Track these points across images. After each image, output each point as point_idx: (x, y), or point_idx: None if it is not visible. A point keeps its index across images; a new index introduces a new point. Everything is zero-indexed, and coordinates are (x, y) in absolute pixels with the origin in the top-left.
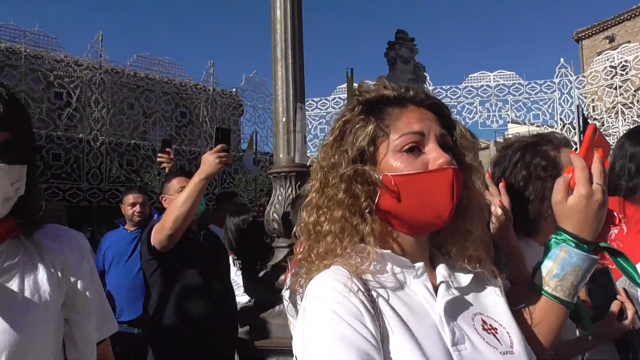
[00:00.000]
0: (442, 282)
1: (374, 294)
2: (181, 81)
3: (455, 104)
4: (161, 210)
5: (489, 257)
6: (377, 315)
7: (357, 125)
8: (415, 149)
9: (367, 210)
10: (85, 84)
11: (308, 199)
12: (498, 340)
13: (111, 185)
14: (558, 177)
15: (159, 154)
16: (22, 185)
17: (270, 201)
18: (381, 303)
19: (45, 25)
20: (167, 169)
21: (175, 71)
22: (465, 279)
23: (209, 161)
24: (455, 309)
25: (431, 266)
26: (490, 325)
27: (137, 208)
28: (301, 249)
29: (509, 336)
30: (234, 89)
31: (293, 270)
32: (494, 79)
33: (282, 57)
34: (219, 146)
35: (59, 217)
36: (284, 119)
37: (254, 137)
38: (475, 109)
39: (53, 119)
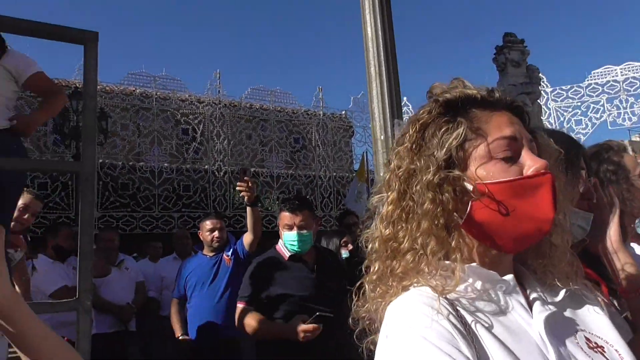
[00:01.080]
0: (535, 297)
1: (465, 314)
2: (293, 109)
3: (579, 104)
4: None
5: (577, 272)
6: (471, 339)
7: (444, 128)
8: (508, 154)
9: (455, 223)
10: (207, 119)
11: (383, 211)
12: (607, 359)
13: (235, 211)
14: (628, 179)
15: (238, 183)
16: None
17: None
18: (474, 324)
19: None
20: (246, 198)
21: (287, 100)
22: (558, 294)
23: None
24: (555, 326)
25: (518, 282)
26: (596, 343)
27: (216, 234)
28: (375, 269)
29: (619, 355)
30: (342, 112)
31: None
32: (621, 72)
33: (376, 75)
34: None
35: (185, 244)
36: (382, 137)
37: (365, 156)
38: (602, 108)
39: (181, 153)
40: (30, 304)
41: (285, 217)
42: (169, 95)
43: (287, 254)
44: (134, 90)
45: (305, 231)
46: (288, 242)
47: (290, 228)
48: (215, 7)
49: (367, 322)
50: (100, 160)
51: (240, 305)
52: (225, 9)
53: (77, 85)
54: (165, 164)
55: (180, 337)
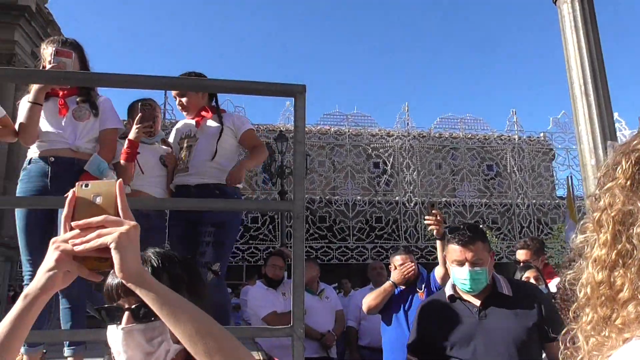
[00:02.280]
0: None
1: None
2: (485, 135)
3: None
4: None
5: None
6: None
7: None
8: None
9: None
10: (397, 152)
11: (594, 254)
12: None
13: (427, 243)
14: None
15: (426, 217)
16: (166, 339)
17: None
18: None
19: (362, 106)
20: (435, 231)
21: (478, 126)
22: None
23: None
24: None
25: None
26: None
27: None
28: (588, 318)
29: None
30: (541, 134)
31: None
32: None
33: (582, 95)
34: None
35: (381, 275)
36: (592, 161)
37: (569, 181)
38: None
39: (373, 186)
40: (251, 328)
41: (455, 251)
42: (361, 131)
43: (447, 293)
44: (328, 129)
45: (479, 268)
46: (459, 281)
47: (461, 264)
48: (400, 42)
49: None
50: None
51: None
52: (410, 42)
53: (282, 128)
54: (359, 197)
55: None
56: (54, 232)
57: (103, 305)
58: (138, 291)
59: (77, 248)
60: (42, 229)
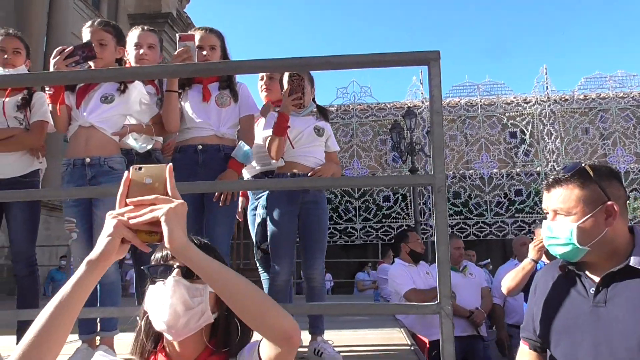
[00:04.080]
0: None
1: None
2: None
3: None
4: None
5: None
6: None
7: None
8: None
9: None
10: (536, 119)
11: None
12: None
13: None
14: None
15: None
16: (205, 301)
17: None
18: None
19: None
20: None
21: (631, 82)
22: None
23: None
24: None
25: None
26: None
27: None
28: None
29: None
30: None
31: None
32: None
33: None
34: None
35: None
36: None
37: None
38: None
39: (510, 157)
40: (397, 305)
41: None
42: (494, 100)
43: (560, 262)
44: (459, 101)
45: (563, 220)
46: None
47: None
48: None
49: None
50: None
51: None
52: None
53: (409, 105)
54: (495, 170)
55: None
56: (201, 220)
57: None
58: (184, 260)
59: (132, 221)
60: (193, 217)
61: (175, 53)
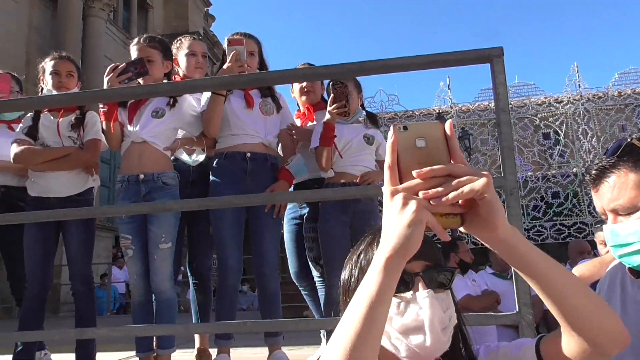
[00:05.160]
0: None
1: None
2: None
3: None
4: None
5: None
6: None
7: None
8: None
9: None
10: (570, 118)
11: None
12: None
13: None
14: None
15: None
16: (453, 313)
17: None
18: None
19: (524, 75)
20: None
21: None
22: None
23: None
24: None
25: None
26: None
27: None
28: None
29: None
30: None
31: None
32: None
33: None
34: None
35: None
36: None
37: None
38: None
39: (545, 159)
40: (474, 316)
41: None
42: (524, 101)
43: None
44: (488, 105)
45: (623, 218)
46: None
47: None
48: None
49: None
50: None
51: None
52: None
53: (438, 110)
54: (529, 173)
55: None
56: (242, 227)
57: None
58: (509, 249)
59: (436, 201)
60: (239, 224)
61: (229, 58)
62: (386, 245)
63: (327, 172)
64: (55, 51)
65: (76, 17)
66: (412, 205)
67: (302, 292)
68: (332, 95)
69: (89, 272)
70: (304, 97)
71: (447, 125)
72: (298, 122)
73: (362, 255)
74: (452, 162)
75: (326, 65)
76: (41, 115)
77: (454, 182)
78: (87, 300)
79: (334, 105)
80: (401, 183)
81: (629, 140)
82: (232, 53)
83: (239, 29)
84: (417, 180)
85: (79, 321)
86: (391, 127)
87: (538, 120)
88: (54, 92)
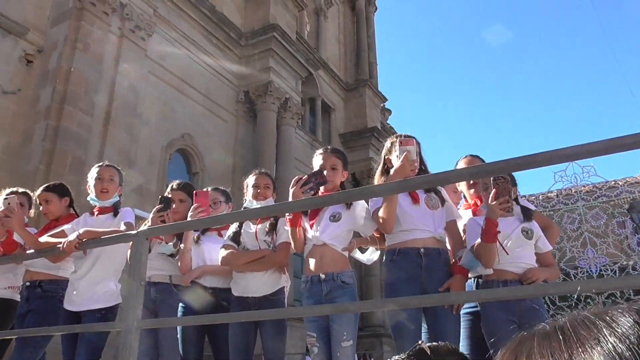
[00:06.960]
0: None
1: None
2: None
3: None
4: None
5: None
6: None
7: None
8: None
9: None
10: None
11: None
12: None
13: None
14: None
15: None
16: None
17: None
18: None
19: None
20: None
21: None
22: None
23: None
24: None
25: None
26: None
27: None
28: None
29: None
30: None
31: None
32: None
33: None
34: None
35: None
36: None
37: None
38: None
39: (621, 249)
40: None
41: None
42: (594, 188)
43: None
44: (556, 195)
45: None
46: None
47: None
48: None
49: None
50: None
51: None
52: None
53: None
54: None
55: None
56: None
57: None
58: None
59: None
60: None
61: (400, 158)
62: None
63: (490, 268)
64: (257, 168)
65: (271, 128)
66: None
67: None
68: (494, 190)
69: None
70: (472, 190)
71: None
72: (468, 213)
73: None
74: None
75: (495, 161)
76: (243, 223)
77: None
78: None
79: (498, 200)
80: None
81: None
82: (404, 153)
83: (412, 119)
84: None
85: None
86: None
87: (611, 208)
88: (254, 202)
